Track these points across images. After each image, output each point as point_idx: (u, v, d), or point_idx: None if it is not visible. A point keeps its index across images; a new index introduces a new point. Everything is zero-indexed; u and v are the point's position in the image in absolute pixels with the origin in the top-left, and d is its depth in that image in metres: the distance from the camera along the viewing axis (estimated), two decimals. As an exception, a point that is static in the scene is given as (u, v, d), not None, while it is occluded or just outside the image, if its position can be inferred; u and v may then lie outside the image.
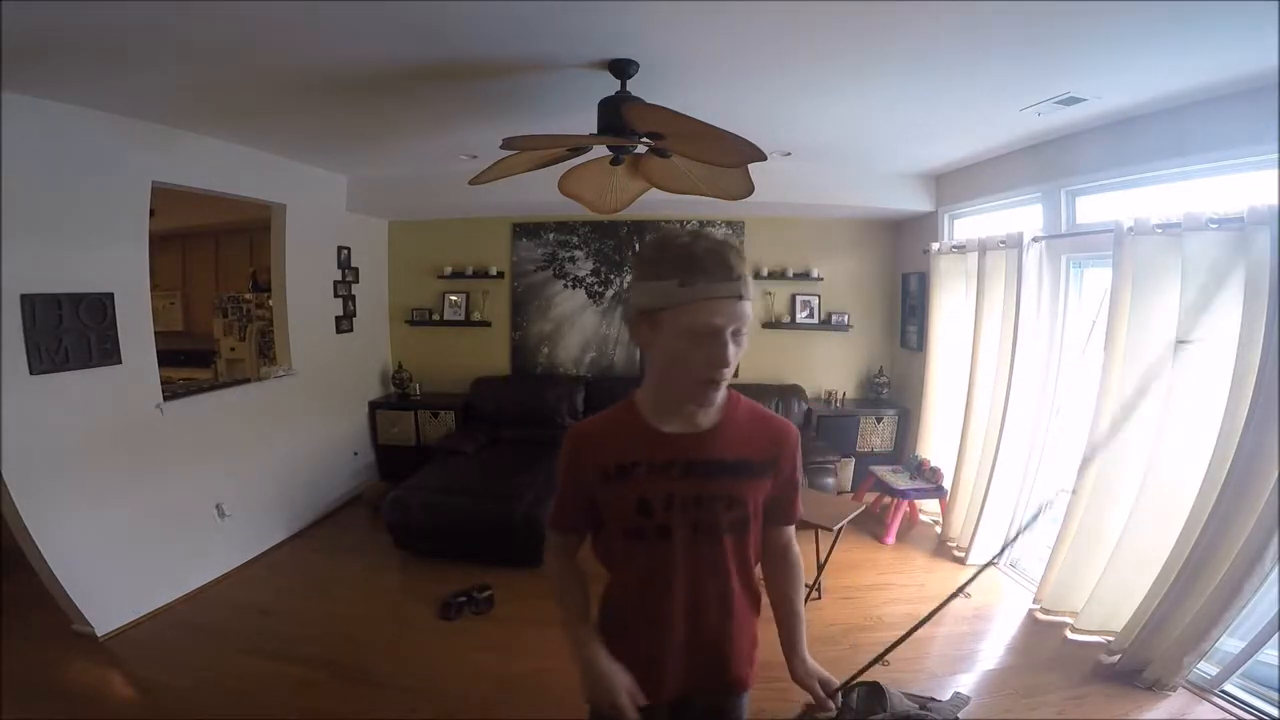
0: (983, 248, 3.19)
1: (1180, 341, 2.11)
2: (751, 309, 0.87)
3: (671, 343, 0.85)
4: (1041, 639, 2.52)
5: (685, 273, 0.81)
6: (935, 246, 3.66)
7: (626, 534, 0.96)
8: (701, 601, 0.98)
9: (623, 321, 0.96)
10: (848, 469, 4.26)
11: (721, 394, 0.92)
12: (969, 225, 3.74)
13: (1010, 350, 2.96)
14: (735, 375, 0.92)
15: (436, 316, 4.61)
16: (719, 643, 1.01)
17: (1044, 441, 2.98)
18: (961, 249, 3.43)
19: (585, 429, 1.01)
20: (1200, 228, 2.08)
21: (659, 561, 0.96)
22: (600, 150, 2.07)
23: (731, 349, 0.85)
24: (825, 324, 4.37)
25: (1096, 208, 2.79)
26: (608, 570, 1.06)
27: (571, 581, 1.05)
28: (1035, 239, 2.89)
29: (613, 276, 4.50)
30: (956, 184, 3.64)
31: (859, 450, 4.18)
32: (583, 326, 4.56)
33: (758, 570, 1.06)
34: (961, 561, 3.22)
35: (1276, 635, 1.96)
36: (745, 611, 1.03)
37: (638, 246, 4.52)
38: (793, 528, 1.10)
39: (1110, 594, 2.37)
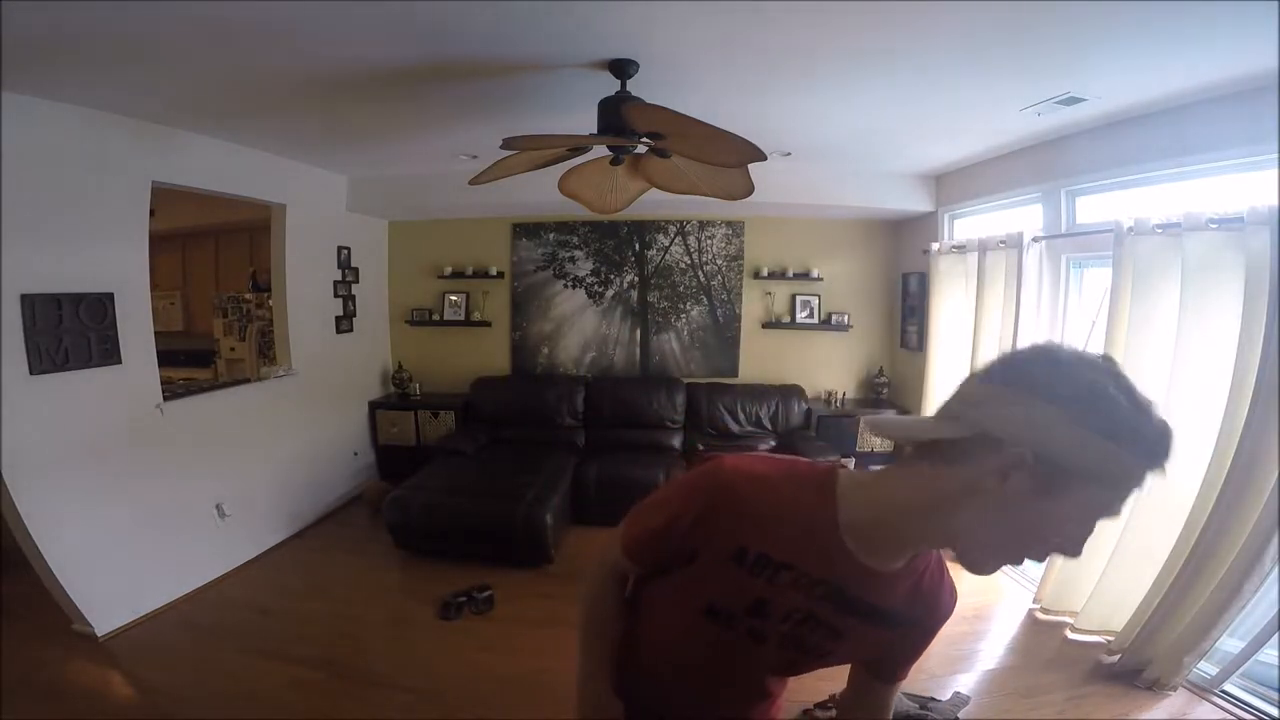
0: (983, 248, 3.19)
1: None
2: None
3: (1052, 513, 0.62)
4: (1041, 639, 2.52)
5: (1155, 459, 0.60)
6: (935, 246, 3.65)
7: (710, 614, 0.78)
8: (737, 704, 0.91)
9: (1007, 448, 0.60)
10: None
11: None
12: (969, 225, 3.73)
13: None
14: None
15: (436, 316, 4.61)
16: None
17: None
18: (961, 249, 3.43)
19: (750, 501, 0.74)
20: (1200, 228, 2.09)
21: (728, 652, 0.81)
22: (600, 150, 2.07)
23: None
24: (825, 324, 4.37)
25: (1096, 208, 2.79)
26: (631, 607, 0.95)
27: (614, 610, 0.93)
28: (1035, 239, 2.89)
29: (612, 276, 4.50)
30: (956, 184, 3.64)
31: (859, 450, 4.15)
32: (583, 326, 4.56)
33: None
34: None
35: (1276, 635, 1.96)
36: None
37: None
38: (895, 690, 0.92)
39: (1110, 594, 2.37)
